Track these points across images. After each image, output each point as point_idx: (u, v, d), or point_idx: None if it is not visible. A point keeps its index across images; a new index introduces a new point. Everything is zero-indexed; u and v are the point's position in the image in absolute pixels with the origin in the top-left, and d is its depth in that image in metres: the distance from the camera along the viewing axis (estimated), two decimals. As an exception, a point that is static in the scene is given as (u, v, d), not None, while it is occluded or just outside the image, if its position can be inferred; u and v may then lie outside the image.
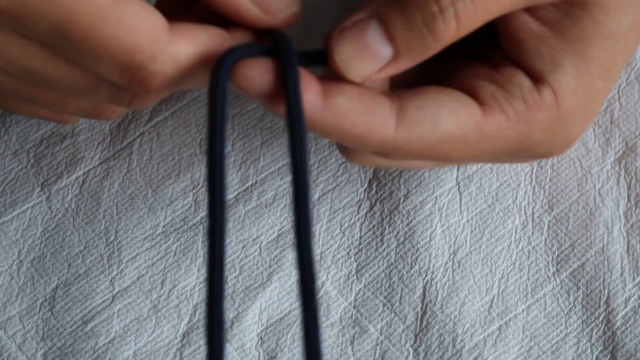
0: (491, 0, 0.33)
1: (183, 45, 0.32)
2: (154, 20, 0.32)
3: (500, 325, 0.43)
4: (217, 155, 0.32)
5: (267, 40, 0.34)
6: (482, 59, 0.37)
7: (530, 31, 0.35)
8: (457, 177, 0.44)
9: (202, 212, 0.44)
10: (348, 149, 0.37)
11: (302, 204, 0.31)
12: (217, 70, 0.32)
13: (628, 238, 0.43)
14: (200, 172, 0.45)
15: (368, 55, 0.33)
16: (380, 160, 0.37)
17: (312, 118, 0.33)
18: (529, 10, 0.35)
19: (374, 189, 0.44)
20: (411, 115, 0.34)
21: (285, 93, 0.32)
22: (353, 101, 0.33)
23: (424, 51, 0.33)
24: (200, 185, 0.45)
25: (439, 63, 0.37)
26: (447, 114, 0.34)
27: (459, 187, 0.44)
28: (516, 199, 0.44)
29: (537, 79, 0.35)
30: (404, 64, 0.33)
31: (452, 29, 0.32)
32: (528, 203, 0.44)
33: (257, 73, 0.32)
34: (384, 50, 0.33)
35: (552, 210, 0.44)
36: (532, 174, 0.44)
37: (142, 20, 0.31)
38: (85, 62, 0.33)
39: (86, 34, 0.31)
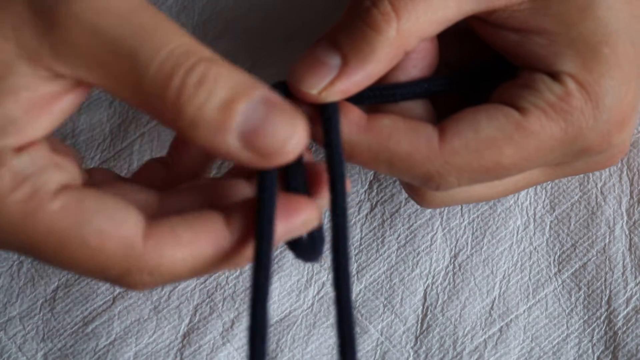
0: None
1: (162, 251, 0.31)
2: (124, 231, 0.31)
3: (501, 327, 0.43)
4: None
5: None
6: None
7: (514, 43, 0.35)
8: (459, 179, 0.44)
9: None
10: (417, 190, 0.38)
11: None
12: None
13: (630, 236, 0.43)
14: (200, 172, 0.45)
15: (318, 66, 0.34)
16: (447, 197, 0.38)
17: (356, 139, 0.34)
18: (498, 26, 0.35)
19: (375, 191, 0.44)
20: (451, 128, 0.34)
21: (322, 120, 0.34)
22: (396, 122, 0.35)
23: (371, 49, 0.34)
24: (200, 186, 0.45)
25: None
26: (486, 120, 0.34)
27: (460, 189, 0.44)
28: (518, 199, 0.44)
29: (552, 74, 0.35)
30: (357, 70, 0.34)
31: (391, 19, 0.33)
32: (530, 203, 0.44)
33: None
34: (333, 59, 0.34)
35: (554, 210, 0.44)
36: (534, 174, 0.44)
37: (107, 239, 0.30)
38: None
39: (51, 258, 0.31)
